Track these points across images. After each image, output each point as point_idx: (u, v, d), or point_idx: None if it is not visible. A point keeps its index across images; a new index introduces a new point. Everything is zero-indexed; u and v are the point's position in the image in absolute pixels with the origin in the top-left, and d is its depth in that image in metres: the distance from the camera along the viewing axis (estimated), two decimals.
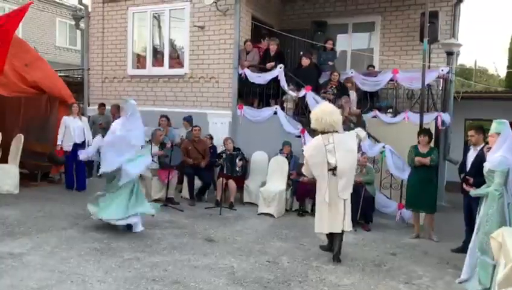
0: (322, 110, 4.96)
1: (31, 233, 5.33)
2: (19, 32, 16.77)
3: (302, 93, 8.01)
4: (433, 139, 6.25)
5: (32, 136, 8.70)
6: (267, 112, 8.32)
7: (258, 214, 7.07)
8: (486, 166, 4.30)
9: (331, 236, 5.05)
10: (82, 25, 11.37)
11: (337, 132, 4.89)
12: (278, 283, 4.24)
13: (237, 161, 7.56)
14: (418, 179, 6.15)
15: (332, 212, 4.84)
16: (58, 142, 7.90)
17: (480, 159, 5.00)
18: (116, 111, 9.31)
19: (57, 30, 18.67)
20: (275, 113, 8.21)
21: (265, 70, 8.41)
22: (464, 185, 5.07)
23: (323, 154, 4.79)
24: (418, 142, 6.21)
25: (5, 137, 7.91)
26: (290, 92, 8.25)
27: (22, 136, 7.91)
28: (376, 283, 4.38)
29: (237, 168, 7.56)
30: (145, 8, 9.61)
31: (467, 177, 5.21)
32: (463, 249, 4.93)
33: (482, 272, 4.06)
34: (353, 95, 8.24)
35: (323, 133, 4.88)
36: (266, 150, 8.01)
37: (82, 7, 10.70)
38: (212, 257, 4.86)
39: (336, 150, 4.77)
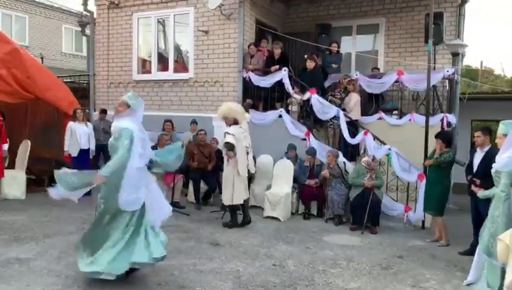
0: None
1: (37, 238, 5.37)
2: (25, 39, 17.04)
3: (306, 96, 8.01)
4: (450, 142, 6.21)
5: (39, 141, 8.76)
6: (272, 115, 8.32)
7: (264, 218, 7.05)
8: (494, 167, 4.27)
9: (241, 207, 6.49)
10: (88, 31, 11.44)
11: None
12: (284, 286, 4.22)
13: None
14: (427, 180, 6.30)
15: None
16: (66, 148, 7.95)
17: (487, 160, 4.97)
18: None
19: (63, 37, 18.86)
20: (280, 116, 8.21)
21: (269, 73, 8.42)
22: (472, 187, 5.04)
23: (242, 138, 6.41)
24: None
25: (12, 143, 7.99)
26: (295, 95, 8.25)
27: (29, 142, 7.98)
28: (383, 286, 4.35)
29: None
30: (150, 13, 9.67)
31: (474, 178, 5.17)
32: (471, 252, 4.88)
33: (490, 274, 4.02)
34: (355, 97, 8.18)
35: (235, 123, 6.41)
36: (271, 153, 8.00)
37: (87, 14, 10.78)
38: (217, 261, 4.85)
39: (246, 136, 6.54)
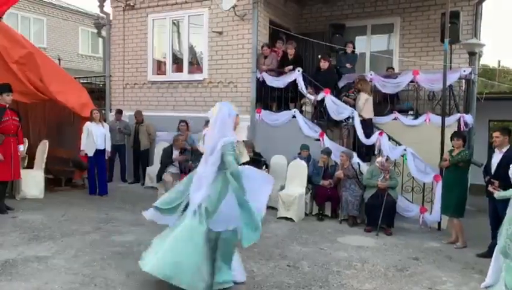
0: None
1: (55, 237, 5.46)
2: (44, 41, 17.37)
3: (320, 96, 7.98)
4: (466, 142, 6.20)
5: (56, 141, 8.92)
6: (286, 115, 8.32)
7: (278, 218, 7.05)
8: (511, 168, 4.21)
9: None
10: (104, 32, 11.61)
11: None
12: (299, 287, 4.21)
13: (263, 168, 7.64)
14: (444, 182, 6.22)
15: None
16: (82, 148, 8.08)
17: (506, 161, 4.89)
18: (140, 117, 9.52)
19: (79, 38, 19.17)
20: (294, 116, 8.20)
21: (283, 74, 8.42)
22: (489, 187, 4.96)
23: None
24: (453, 146, 6.12)
25: (31, 143, 8.15)
26: (308, 96, 8.23)
27: (47, 142, 8.13)
28: (398, 288, 4.31)
29: None
30: (165, 14, 9.77)
31: (492, 179, 5.09)
32: (489, 254, 4.81)
33: (508, 276, 3.95)
34: (364, 96, 8.08)
35: None
36: (285, 154, 7.99)
37: (103, 15, 10.95)
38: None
39: None
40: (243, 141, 5.98)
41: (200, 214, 3.80)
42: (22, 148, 7.23)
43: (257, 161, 7.76)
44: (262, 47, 8.76)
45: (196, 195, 3.89)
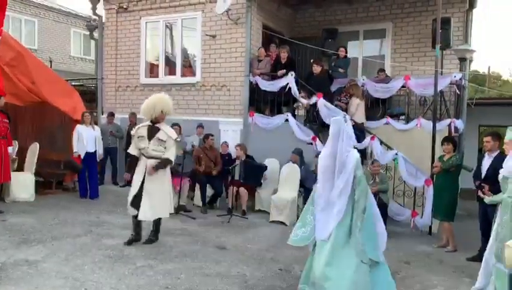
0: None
1: (46, 240, 5.40)
2: (35, 43, 17.23)
3: (313, 100, 8.02)
4: (456, 146, 6.30)
5: (46, 144, 8.83)
6: (279, 119, 8.34)
7: (270, 222, 7.05)
8: (501, 173, 4.25)
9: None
10: (96, 35, 11.56)
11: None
12: None
13: (264, 174, 7.79)
14: (436, 186, 6.31)
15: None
16: (75, 150, 8.01)
17: (496, 165, 4.95)
18: (134, 119, 9.46)
19: (71, 40, 19.05)
20: (286, 120, 8.23)
21: (276, 78, 8.44)
22: (479, 192, 5.01)
23: None
24: (443, 151, 6.20)
25: (20, 145, 8.07)
26: (301, 100, 8.27)
27: (37, 145, 8.05)
28: None
29: (262, 181, 7.79)
30: (158, 17, 9.76)
31: (482, 184, 5.15)
32: (478, 258, 4.85)
33: (498, 280, 3.99)
34: (355, 101, 8.13)
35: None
36: (278, 158, 8.00)
37: (96, 17, 10.90)
38: (224, 265, 4.86)
39: None
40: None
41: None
42: (11, 150, 7.15)
43: (259, 166, 7.78)
44: (258, 49, 8.80)
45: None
